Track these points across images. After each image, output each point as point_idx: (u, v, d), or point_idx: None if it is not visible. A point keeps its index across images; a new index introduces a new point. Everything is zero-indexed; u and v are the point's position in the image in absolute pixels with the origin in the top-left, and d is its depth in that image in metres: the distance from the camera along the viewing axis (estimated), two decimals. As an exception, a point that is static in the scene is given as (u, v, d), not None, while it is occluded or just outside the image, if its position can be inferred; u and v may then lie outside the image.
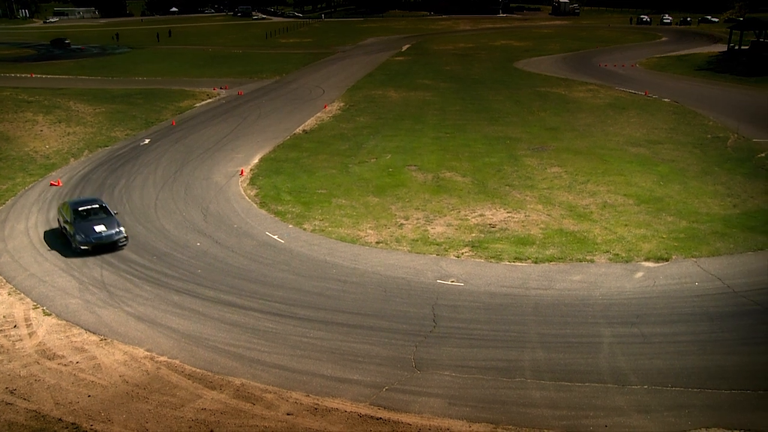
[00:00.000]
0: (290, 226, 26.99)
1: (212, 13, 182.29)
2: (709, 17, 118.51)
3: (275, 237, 25.76)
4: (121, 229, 24.87)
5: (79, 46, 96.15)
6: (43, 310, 20.15)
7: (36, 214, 28.69)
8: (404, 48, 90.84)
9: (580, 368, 16.46)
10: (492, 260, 23.06)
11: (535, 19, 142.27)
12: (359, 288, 21.24)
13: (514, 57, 78.58)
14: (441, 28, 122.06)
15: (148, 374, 16.65)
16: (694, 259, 22.51)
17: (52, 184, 32.73)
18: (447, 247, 24.29)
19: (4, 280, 22.24)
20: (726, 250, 23.18)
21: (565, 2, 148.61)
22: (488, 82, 62.00)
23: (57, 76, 66.57)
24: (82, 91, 55.98)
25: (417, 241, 24.94)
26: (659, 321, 18.65)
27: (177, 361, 17.23)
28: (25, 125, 42.54)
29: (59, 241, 25.43)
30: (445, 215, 27.58)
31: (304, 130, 43.99)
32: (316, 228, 26.61)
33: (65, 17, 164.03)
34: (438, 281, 21.53)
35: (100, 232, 24.28)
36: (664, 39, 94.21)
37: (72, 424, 14.68)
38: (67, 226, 25.02)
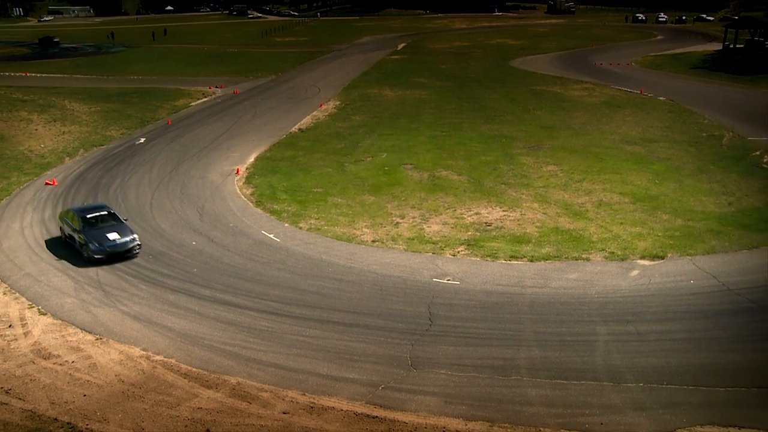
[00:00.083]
0: (286, 224, 26.98)
1: (208, 11, 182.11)
2: (704, 16, 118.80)
3: (271, 236, 25.74)
4: (135, 236, 23.97)
5: (74, 45, 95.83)
6: (38, 309, 20.10)
7: (31, 213, 28.61)
8: (400, 46, 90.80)
9: (576, 366, 16.49)
10: (488, 259, 23.08)
11: (531, 17, 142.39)
12: (355, 287, 21.25)
13: (510, 55, 78.60)
14: (437, 27, 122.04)
15: (144, 373, 16.62)
16: (690, 257, 22.57)
17: (47, 183, 32.64)
18: (443, 245, 24.31)
19: (-1, 280, 22.20)
20: (721, 248, 23.24)
21: (560, 1, 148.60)
22: (484, 81, 62.02)
23: (52, 75, 66.40)
24: (77, 90, 55.84)
25: (413, 239, 24.95)
26: (655, 319, 18.70)
27: (173, 360, 17.21)
28: (19, 124, 42.40)
29: (63, 251, 24.36)
30: (441, 214, 27.60)
31: (299, 129, 43.95)
32: (312, 227, 26.60)
33: (60, 16, 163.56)
34: (434, 280, 21.55)
35: (114, 240, 23.26)
36: (659, 37, 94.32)
37: (68, 423, 14.65)
38: (75, 236, 23.83)
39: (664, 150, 36.59)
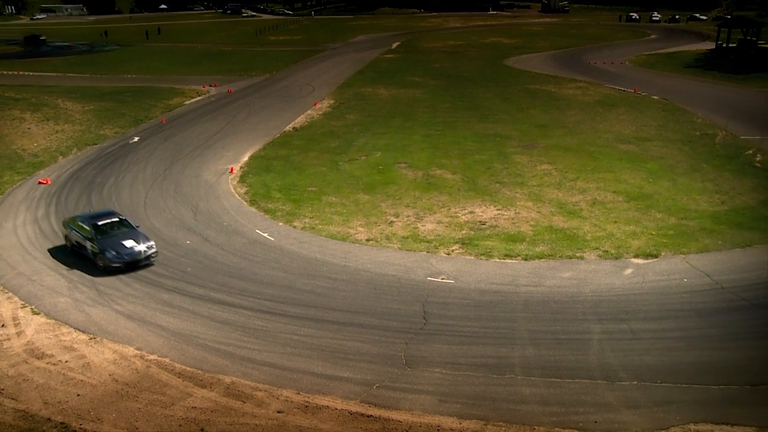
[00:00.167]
0: (280, 223, 26.94)
1: (202, 10, 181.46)
2: (697, 15, 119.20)
3: (265, 235, 25.70)
4: (152, 242, 23.21)
5: (67, 43, 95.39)
6: (31, 308, 20.01)
7: (24, 212, 28.47)
8: (394, 45, 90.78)
9: (570, 365, 16.53)
10: (482, 257, 23.11)
11: (525, 16, 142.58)
12: (349, 285, 21.24)
13: (504, 54, 78.69)
14: (431, 26, 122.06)
15: (138, 373, 16.58)
16: (683, 256, 22.66)
17: (40, 183, 32.50)
18: (437, 244, 24.32)
19: (-8, 279, 22.08)
20: (714, 247, 23.34)
21: None
22: (478, 80, 62.07)
23: (45, 74, 66.13)
24: (70, 88, 55.63)
25: (407, 238, 24.96)
26: (648, 317, 18.76)
27: (167, 360, 17.17)
28: (12, 123, 42.18)
29: (71, 260, 23.46)
30: (435, 212, 27.61)
31: (294, 128, 43.89)
32: (306, 225, 26.58)
33: (53, 14, 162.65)
34: (428, 278, 21.56)
35: (131, 248, 22.47)
36: (653, 36, 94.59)
37: (61, 423, 14.60)
38: (87, 244, 22.88)
39: (658, 149, 36.70)
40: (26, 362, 17.11)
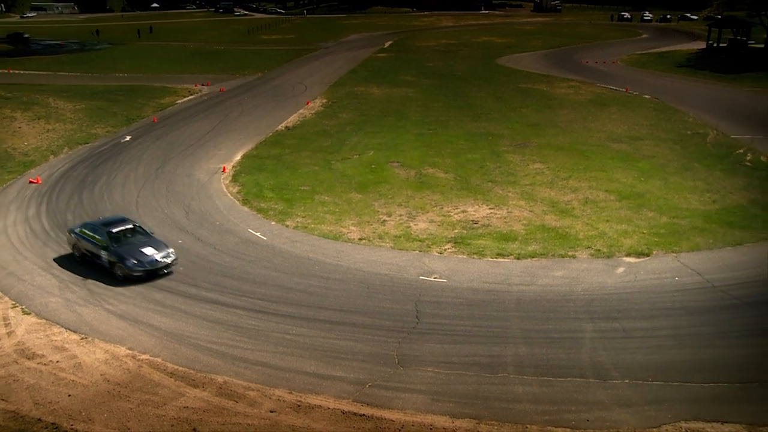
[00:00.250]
0: (273, 222, 26.90)
1: (194, 9, 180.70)
2: (688, 15, 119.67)
3: (258, 234, 25.65)
4: (171, 249, 22.48)
5: (58, 42, 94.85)
6: (22, 308, 19.90)
7: (15, 212, 28.29)
8: (387, 44, 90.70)
9: (562, 363, 16.58)
10: (474, 256, 23.14)
11: (517, 15, 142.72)
12: (342, 285, 21.23)
13: (496, 53, 78.75)
14: (423, 25, 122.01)
15: (130, 373, 16.51)
16: (675, 255, 22.76)
17: (31, 182, 32.30)
18: (430, 243, 24.34)
19: (-18, 279, 21.93)
20: (705, 245, 23.45)
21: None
22: (470, 79, 62.11)
23: (36, 72, 65.72)
24: (61, 87, 55.29)
25: (400, 237, 24.96)
26: (640, 316, 18.84)
27: (159, 360, 17.12)
28: (2, 122, 41.89)
29: (83, 268, 22.63)
30: (428, 212, 27.63)
31: (286, 127, 43.81)
32: (299, 225, 26.54)
33: (43, 12, 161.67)
34: (421, 277, 21.57)
35: (152, 256, 21.69)
36: (644, 36, 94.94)
37: (52, 424, 14.52)
38: (102, 253, 21.97)
39: (650, 148, 36.85)
40: (17, 362, 17.01)
